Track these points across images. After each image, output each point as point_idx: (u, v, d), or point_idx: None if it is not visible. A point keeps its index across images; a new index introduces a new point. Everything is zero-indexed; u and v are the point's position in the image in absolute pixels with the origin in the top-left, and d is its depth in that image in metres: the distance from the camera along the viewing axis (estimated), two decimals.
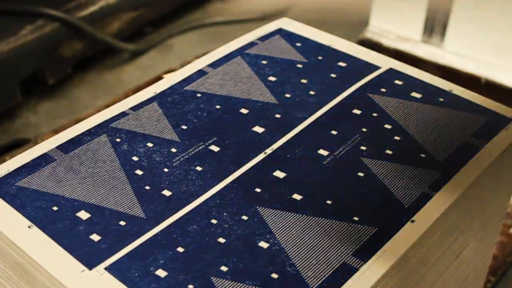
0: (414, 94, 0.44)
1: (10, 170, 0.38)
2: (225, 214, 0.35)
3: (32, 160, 0.39)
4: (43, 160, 0.39)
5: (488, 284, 0.56)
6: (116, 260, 0.33)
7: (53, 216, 0.35)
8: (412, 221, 0.35)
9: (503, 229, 0.60)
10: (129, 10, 0.88)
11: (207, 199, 0.36)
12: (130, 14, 0.89)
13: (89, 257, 0.33)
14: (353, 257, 0.33)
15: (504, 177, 0.43)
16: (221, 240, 0.34)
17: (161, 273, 0.32)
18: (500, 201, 0.45)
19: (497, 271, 0.57)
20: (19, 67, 0.77)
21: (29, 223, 0.35)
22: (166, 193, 0.37)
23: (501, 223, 0.48)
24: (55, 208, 0.35)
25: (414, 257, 0.35)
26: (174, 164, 0.39)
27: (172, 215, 0.35)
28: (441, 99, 0.44)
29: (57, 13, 0.80)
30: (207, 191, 0.37)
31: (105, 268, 0.32)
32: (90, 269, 0.32)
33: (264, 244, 0.34)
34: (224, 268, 0.32)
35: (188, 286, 0.31)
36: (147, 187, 0.37)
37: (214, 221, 0.35)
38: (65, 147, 0.40)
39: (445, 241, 0.39)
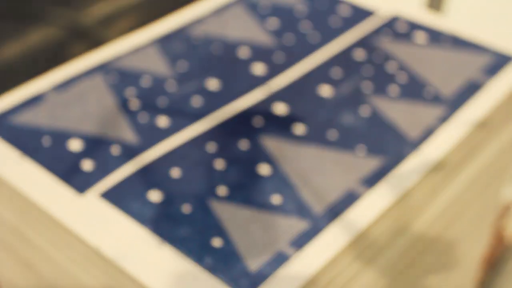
0: (418, 37, 0.44)
1: (3, 108, 0.38)
2: (223, 141, 0.35)
3: (25, 98, 0.39)
4: (36, 98, 0.38)
5: (487, 282, 0.55)
6: (109, 184, 0.32)
7: (45, 147, 0.34)
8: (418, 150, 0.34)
9: (500, 229, 0.60)
10: (129, 10, 0.89)
11: (204, 127, 0.36)
12: (130, 14, 0.89)
13: (81, 183, 0.32)
14: (359, 185, 0.32)
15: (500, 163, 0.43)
16: (219, 164, 0.33)
17: (156, 195, 0.32)
18: (495, 191, 0.45)
19: (495, 269, 0.56)
20: (20, 67, 0.77)
21: (21, 155, 0.34)
22: (162, 119, 0.36)
23: (496, 217, 0.48)
24: (47, 139, 0.35)
25: (420, 191, 0.34)
26: (171, 94, 0.38)
27: (168, 139, 0.35)
28: (446, 40, 0.44)
29: (57, 13, 0.80)
30: (205, 118, 0.36)
31: (99, 193, 0.32)
32: (82, 192, 0.32)
33: (264, 169, 0.33)
34: (221, 191, 0.32)
35: (183, 206, 0.31)
36: (142, 114, 0.37)
37: (212, 147, 0.34)
38: (58, 86, 0.39)
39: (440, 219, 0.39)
